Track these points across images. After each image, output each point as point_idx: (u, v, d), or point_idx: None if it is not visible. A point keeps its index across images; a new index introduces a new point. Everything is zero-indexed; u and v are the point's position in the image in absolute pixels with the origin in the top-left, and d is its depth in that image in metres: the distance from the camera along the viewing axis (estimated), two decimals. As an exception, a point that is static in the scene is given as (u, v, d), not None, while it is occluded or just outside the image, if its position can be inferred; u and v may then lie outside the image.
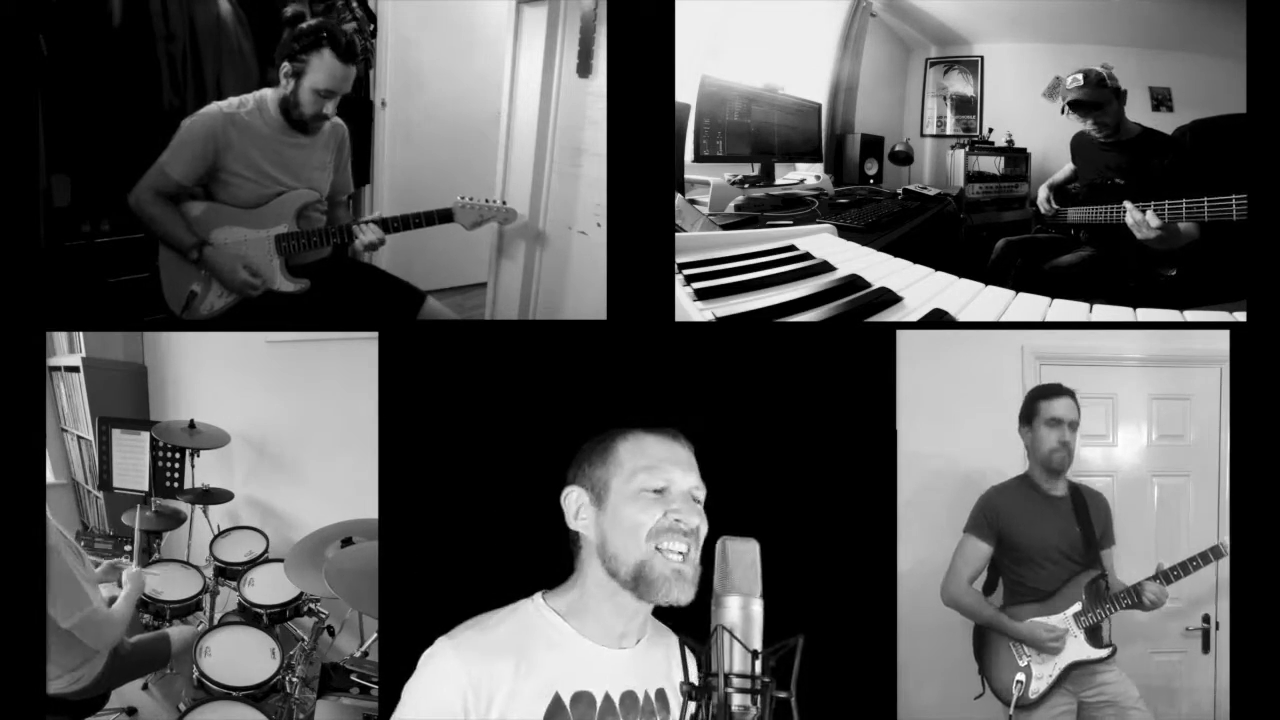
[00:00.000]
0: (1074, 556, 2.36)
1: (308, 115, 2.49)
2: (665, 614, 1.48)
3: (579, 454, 1.49)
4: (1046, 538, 2.36)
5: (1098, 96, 2.58)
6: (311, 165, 2.60)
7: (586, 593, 1.43)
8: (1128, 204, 2.48)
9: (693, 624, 1.39)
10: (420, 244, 2.74)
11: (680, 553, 1.36)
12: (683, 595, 1.35)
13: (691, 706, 1.10)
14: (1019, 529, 2.37)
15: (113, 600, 2.39)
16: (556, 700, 1.36)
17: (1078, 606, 2.33)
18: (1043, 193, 2.76)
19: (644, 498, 1.38)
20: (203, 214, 2.52)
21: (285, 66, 2.46)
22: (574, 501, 1.46)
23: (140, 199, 2.48)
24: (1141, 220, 2.44)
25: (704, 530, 1.39)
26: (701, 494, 1.43)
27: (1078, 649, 2.32)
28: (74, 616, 2.20)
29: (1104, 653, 2.32)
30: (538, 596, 1.47)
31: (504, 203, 2.66)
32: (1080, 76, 2.58)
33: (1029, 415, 2.40)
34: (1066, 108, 2.64)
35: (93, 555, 2.76)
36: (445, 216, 2.58)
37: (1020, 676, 2.30)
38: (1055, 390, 2.38)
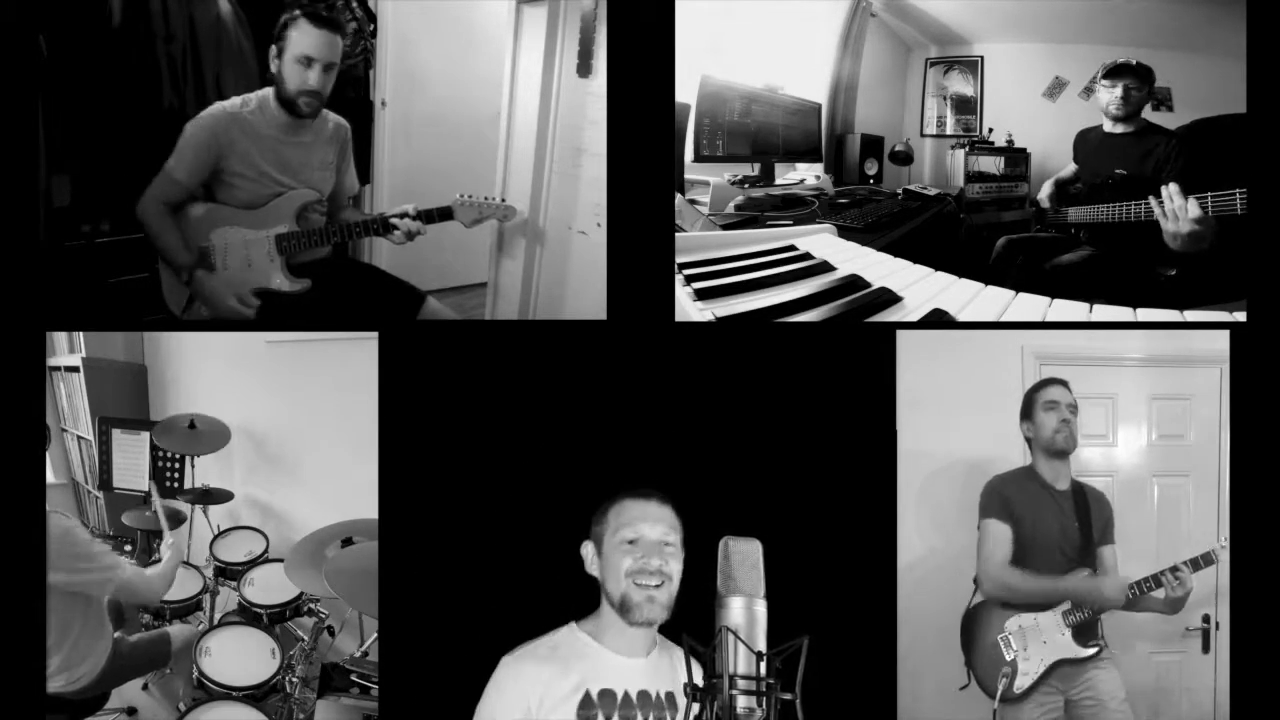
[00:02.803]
0: (1069, 553, 2.36)
1: (293, 90, 2.47)
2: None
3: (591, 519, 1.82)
4: (1048, 531, 2.36)
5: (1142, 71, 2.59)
6: (312, 165, 2.59)
7: (604, 619, 1.77)
8: (1173, 187, 2.42)
9: (696, 626, 1.39)
10: (420, 244, 2.73)
11: (651, 585, 1.69)
12: (655, 615, 1.70)
13: (696, 708, 1.10)
14: (1024, 517, 2.36)
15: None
16: (587, 696, 1.69)
17: (1066, 604, 2.33)
18: (1046, 188, 2.75)
19: (622, 548, 1.73)
20: (204, 215, 2.52)
21: (272, 50, 2.48)
22: (588, 553, 1.80)
23: (146, 209, 2.49)
24: (1181, 206, 2.39)
25: (672, 569, 1.72)
26: (673, 538, 1.74)
27: (1064, 646, 2.31)
28: (110, 584, 2.22)
29: (1089, 651, 2.31)
30: (572, 624, 1.78)
31: (503, 200, 2.66)
32: (1119, 86, 2.59)
33: (1027, 408, 2.42)
34: (1105, 74, 2.61)
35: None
36: (445, 214, 2.57)
37: (1006, 670, 2.31)
38: (1046, 380, 2.42)
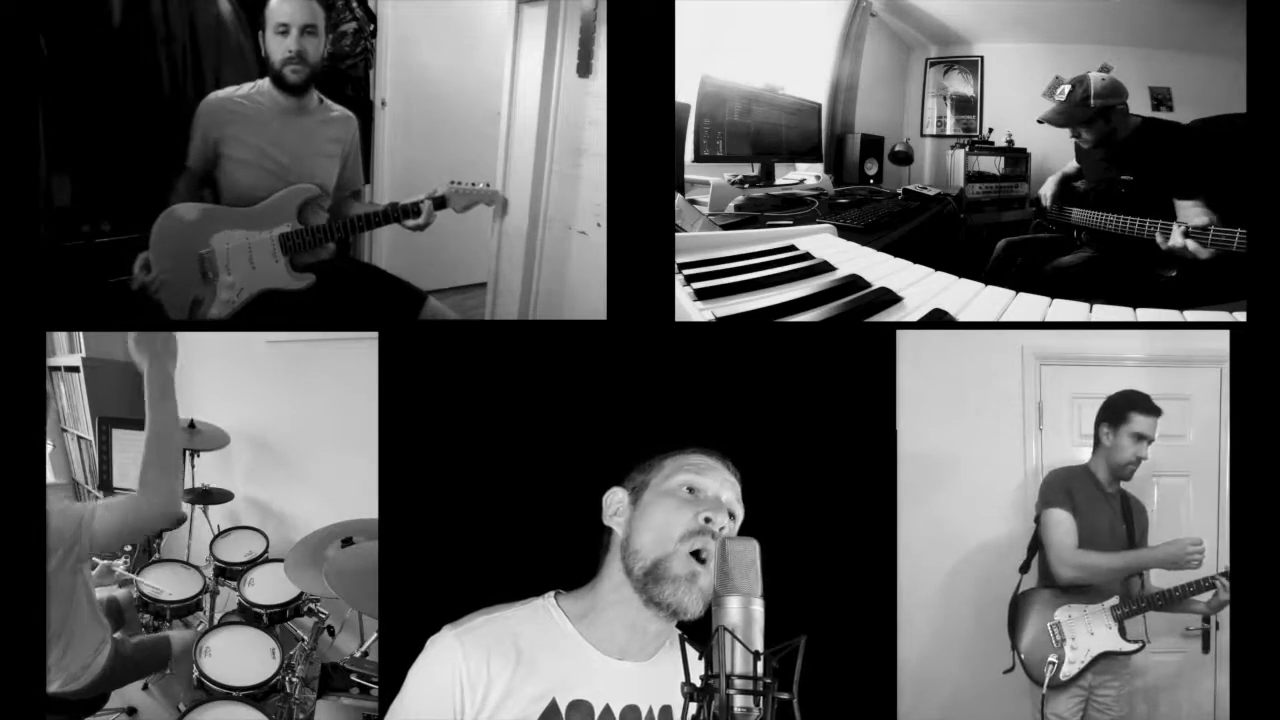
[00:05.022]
0: (1120, 549, 2.41)
1: (277, 61, 2.49)
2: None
3: (633, 467, 1.52)
4: (1099, 527, 2.40)
5: (1072, 117, 2.59)
6: (313, 150, 2.58)
7: (600, 596, 1.43)
8: (1180, 222, 2.41)
9: (694, 626, 1.39)
10: (420, 244, 2.73)
11: (700, 558, 1.35)
12: (689, 603, 1.35)
13: (693, 708, 1.10)
14: (1081, 512, 2.40)
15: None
16: (553, 706, 1.36)
17: (1115, 600, 2.38)
18: (1050, 185, 2.75)
19: (679, 496, 1.40)
20: (199, 219, 2.51)
21: (260, 35, 2.51)
22: (616, 500, 1.47)
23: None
24: (1197, 249, 2.37)
25: None
26: (739, 511, 1.44)
27: (1110, 639, 2.36)
28: (83, 536, 2.08)
29: (1133, 646, 2.37)
30: (549, 596, 1.48)
31: (487, 185, 2.65)
32: (1066, 89, 2.58)
33: (1117, 419, 2.43)
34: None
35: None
36: (440, 203, 2.56)
37: (1053, 658, 2.35)
38: (1151, 407, 2.41)
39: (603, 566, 1.46)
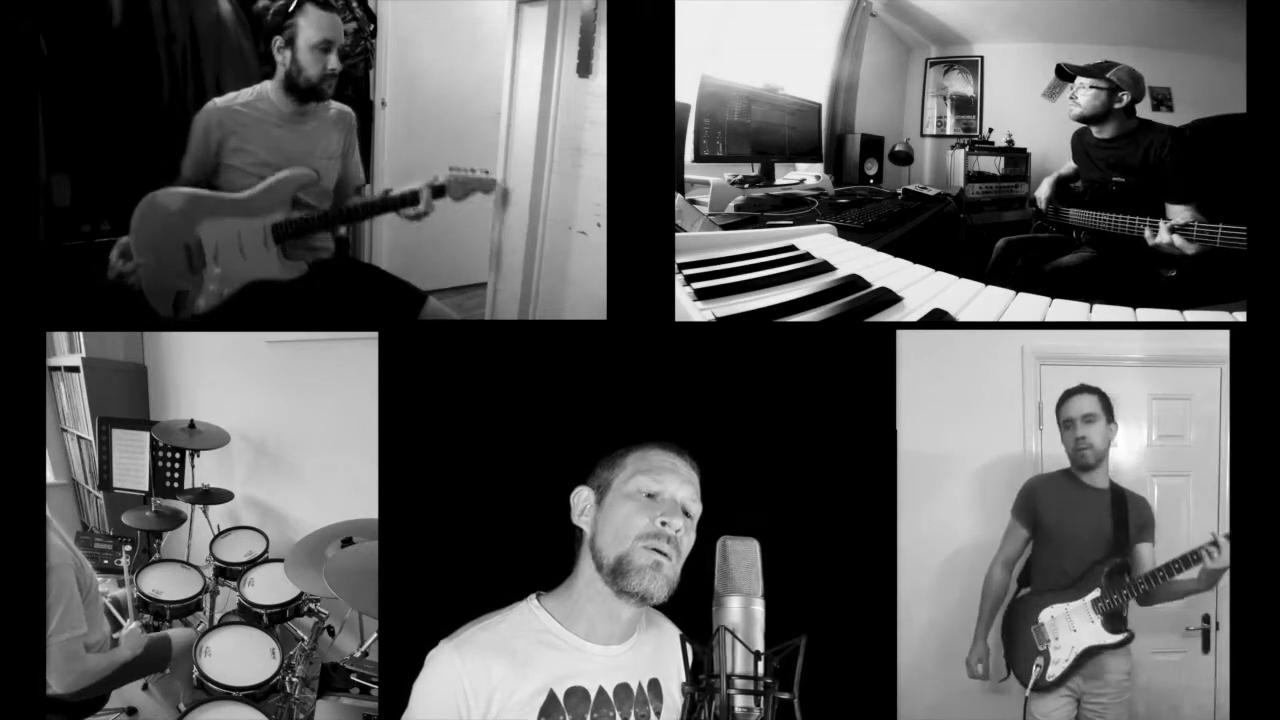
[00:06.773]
0: (1101, 547, 2.38)
1: (315, 77, 2.46)
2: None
3: (597, 463, 1.60)
4: (1078, 527, 2.39)
5: (1086, 71, 2.58)
6: (315, 154, 2.56)
7: (577, 592, 1.52)
8: (1168, 219, 2.44)
9: (693, 626, 1.40)
10: (420, 244, 2.74)
11: (661, 551, 1.44)
12: (655, 589, 1.44)
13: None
14: (1053, 516, 2.40)
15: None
16: (551, 697, 1.44)
17: (1096, 592, 2.35)
18: (1045, 187, 2.75)
19: (638, 499, 1.48)
20: (185, 206, 2.45)
21: (276, 41, 2.45)
22: (582, 499, 1.56)
23: None
24: (1183, 245, 2.39)
25: (687, 544, 1.48)
26: (695, 509, 1.51)
27: (1093, 634, 2.34)
28: (61, 635, 2.18)
29: (1119, 638, 2.34)
30: (532, 599, 1.57)
31: (486, 172, 2.64)
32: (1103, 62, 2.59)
33: (1057, 418, 2.45)
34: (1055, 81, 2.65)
35: (89, 552, 2.77)
36: (439, 191, 2.53)
37: (1039, 660, 2.35)
38: (1069, 392, 2.42)
39: (577, 562, 1.55)
